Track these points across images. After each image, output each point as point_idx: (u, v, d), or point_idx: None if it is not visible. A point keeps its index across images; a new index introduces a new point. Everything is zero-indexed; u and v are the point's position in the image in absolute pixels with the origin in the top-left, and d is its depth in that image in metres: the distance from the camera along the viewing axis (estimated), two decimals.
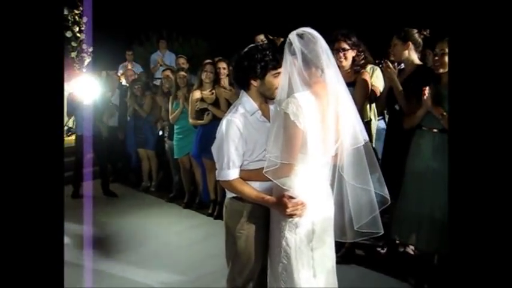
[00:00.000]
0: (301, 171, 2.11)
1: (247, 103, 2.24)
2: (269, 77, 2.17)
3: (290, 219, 2.13)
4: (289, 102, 2.00)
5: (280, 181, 2.10)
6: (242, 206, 2.28)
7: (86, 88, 5.98)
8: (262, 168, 2.10)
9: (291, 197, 2.09)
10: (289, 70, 2.05)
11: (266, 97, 2.26)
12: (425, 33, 3.45)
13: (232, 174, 2.21)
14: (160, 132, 6.00)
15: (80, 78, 6.50)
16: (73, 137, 6.60)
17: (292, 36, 2.07)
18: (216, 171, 2.26)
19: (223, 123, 2.18)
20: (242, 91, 2.30)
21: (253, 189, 2.21)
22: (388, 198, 2.18)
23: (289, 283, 2.16)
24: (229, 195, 2.35)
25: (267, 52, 2.16)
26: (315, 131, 2.03)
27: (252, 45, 2.24)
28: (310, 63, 2.05)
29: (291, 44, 2.06)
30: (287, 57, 2.06)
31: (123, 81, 7.35)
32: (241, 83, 2.27)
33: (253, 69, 2.16)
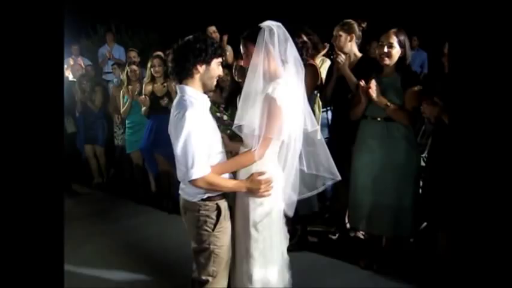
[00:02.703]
0: (270, 154, 2.24)
1: (193, 93, 2.19)
2: (214, 64, 2.20)
3: (262, 202, 2.25)
4: (275, 88, 2.13)
5: (255, 167, 2.23)
6: (216, 204, 2.23)
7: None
8: (229, 160, 2.26)
9: (261, 173, 2.22)
10: (266, 58, 2.17)
11: (206, 88, 2.25)
12: (363, 25, 3.55)
13: (206, 168, 2.13)
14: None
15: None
16: None
17: (270, 26, 2.18)
18: (184, 173, 2.13)
19: (185, 119, 2.07)
20: (180, 86, 2.22)
21: (226, 178, 2.26)
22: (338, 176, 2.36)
23: (263, 265, 2.28)
24: (198, 197, 2.22)
25: (214, 40, 2.23)
26: (289, 116, 2.19)
27: (192, 35, 2.21)
28: (280, 53, 2.19)
29: (269, 33, 2.16)
30: (261, 46, 2.16)
31: (70, 76, 7.12)
32: (185, 70, 2.17)
33: (205, 51, 2.14)
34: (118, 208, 5.31)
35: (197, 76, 2.19)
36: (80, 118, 6.14)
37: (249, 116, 2.19)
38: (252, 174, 2.23)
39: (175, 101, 2.24)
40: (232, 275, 2.37)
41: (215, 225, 2.22)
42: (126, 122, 5.38)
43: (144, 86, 4.94)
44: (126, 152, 5.51)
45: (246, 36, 2.25)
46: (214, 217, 2.22)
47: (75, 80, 6.59)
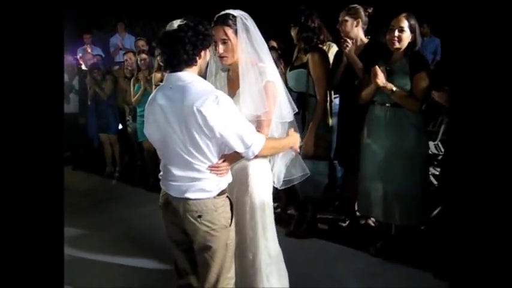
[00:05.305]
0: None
1: (201, 79, 2.05)
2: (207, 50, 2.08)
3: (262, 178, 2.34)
4: (269, 71, 2.19)
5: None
6: (226, 198, 2.12)
7: None
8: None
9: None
10: (249, 45, 2.18)
11: (200, 74, 2.08)
12: (369, 11, 3.51)
13: (260, 134, 2.08)
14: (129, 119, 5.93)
15: None
16: None
17: (243, 15, 2.18)
18: (246, 150, 2.01)
19: (221, 101, 1.91)
20: (184, 74, 1.98)
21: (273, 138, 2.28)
22: None
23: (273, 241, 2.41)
24: (217, 189, 2.05)
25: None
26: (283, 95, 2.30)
27: (182, 20, 1.96)
28: (257, 39, 2.22)
29: (246, 21, 2.16)
30: (243, 35, 2.15)
31: (83, 66, 7.18)
32: (192, 57, 1.97)
33: (209, 35, 2.00)
34: (129, 196, 5.37)
35: (198, 63, 2.02)
36: (92, 106, 6.21)
37: (253, 103, 2.17)
38: (289, 130, 2.29)
39: (179, 91, 1.97)
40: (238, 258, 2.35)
41: (231, 219, 2.11)
42: (138, 110, 5.39)
43: (153, 74, 4.95)
44: (137, 140, 5.55)
45: (222, 22, 2.15)
46: (229, 211, 2.11)
47: (87, 69, 6.66)
